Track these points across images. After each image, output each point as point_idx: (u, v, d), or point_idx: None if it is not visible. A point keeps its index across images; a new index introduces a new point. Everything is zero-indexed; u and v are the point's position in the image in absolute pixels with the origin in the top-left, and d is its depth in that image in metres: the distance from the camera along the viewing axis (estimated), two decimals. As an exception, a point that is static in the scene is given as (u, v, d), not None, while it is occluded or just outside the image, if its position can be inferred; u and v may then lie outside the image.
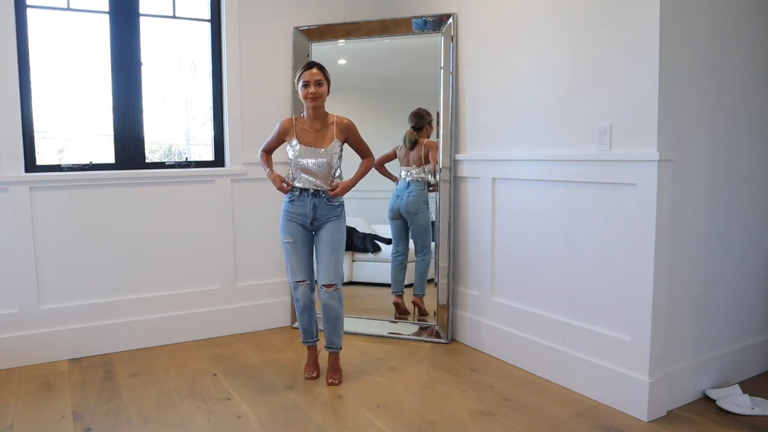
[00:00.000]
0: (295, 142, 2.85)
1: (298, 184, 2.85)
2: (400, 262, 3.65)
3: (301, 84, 2.79)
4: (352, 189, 2.88)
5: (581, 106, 2.74)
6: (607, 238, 2.65)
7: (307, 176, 2.84)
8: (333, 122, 2.86)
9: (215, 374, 3.07)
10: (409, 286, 3.70)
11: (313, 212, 2.84)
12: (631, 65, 2.50)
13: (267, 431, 2.45)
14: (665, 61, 2.42)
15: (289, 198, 2.87)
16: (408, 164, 3.56)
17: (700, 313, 2.73)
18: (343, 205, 2.92)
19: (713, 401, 2.68)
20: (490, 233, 3.29)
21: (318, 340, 3.05)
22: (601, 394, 2.69)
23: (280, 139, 2.93)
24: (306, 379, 2.98)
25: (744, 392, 2.70)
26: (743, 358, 2.92)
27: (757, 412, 2.55)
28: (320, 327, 3.08)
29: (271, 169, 2.95)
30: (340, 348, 2.98)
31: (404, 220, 3.59)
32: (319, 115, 2.85)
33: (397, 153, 3.63)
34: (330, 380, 2.92)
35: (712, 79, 2.64)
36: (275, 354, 3.36)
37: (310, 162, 2.82)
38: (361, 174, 2.93)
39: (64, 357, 3.28)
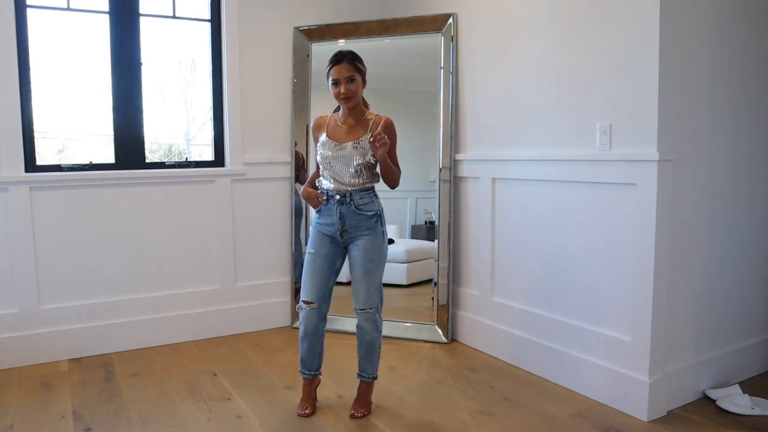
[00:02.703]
0: (324, 136, 2.49)
1: (324, 187, 2.49)
2: None
3: (330, 82, 2.44)
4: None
5: (581, 106, 2.74)
6: (607, 238, 2.65)
7: (332, 177, 2.46)
8: (371, 119, 2.49)
9: (215, 374, 3.07)
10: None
11: (341, 222, 2.45)
12: (631, 65, 2.50)
13: (267, 431, 2.45)
14: (665, 61, 2.42)
15: (322, 205, 2.51)
16: None
17: (700, 313, 2.73)
18: (380, 215, 2.50)
19: (713, 401, 2.68)
20: (490, 233, 3.29)
21: (317, 374, 2.63)
22: (601, 394, 2.69)
23: (316, 139, 2.56)
24: (298, 415, 2.56)
25: (744, 392, 2.70)
26: (743, 358, 2.92)
27: (757, 412, 2.55)
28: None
29: (307, 185, 2.59)
30: (373, 377, 2.59)
31: None
32: (357, 111, 2.50)
33: None
34: (352, 411, 2.56)
35: (713, 79, 2.64)
36: (275, 354, 3.36)
37: (336, 159, 2.44)
38: (392, 164, 2.47)
39: (64, 357, 3.28)
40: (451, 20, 3.46)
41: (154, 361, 3.25)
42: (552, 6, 2.87)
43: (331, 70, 2.43)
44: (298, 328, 3.77)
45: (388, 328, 3.64)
